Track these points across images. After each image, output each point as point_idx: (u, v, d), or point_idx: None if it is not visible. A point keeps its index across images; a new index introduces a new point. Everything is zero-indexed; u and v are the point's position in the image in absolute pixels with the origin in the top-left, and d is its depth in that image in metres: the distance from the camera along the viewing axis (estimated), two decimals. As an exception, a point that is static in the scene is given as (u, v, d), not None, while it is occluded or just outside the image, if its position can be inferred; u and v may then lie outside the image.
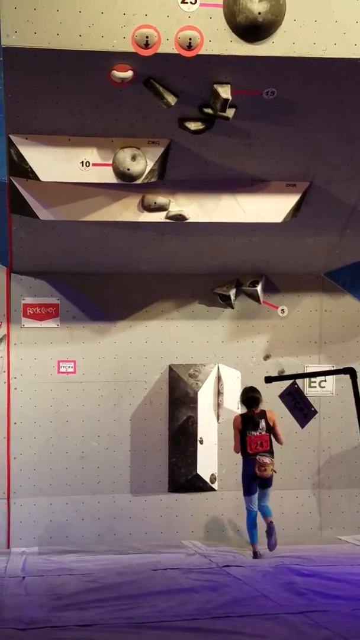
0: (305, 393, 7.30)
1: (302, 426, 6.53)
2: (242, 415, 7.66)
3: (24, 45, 5.70)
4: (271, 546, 7.32)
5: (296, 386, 5.92)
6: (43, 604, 5.55)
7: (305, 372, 7.88)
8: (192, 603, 5.51)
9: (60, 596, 5.75)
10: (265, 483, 7.56)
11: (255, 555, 7.26)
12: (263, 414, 7.60)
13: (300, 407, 6.05)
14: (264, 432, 7.56)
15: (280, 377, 6.51)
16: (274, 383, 7.24)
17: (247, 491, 7.53)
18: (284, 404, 6.18)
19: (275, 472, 7.49)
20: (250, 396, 7.62)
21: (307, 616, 5.10)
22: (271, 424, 7.61)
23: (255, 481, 7.49)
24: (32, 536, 7.82)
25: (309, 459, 8.36)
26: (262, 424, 7.55)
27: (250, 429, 7.56)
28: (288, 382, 6.68)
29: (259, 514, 7.50)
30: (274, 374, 8.23)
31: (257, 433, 7.54)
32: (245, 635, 4.75)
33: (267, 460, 7.44)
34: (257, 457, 7.40)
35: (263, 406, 7.61)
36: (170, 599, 5.61)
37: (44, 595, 5.78)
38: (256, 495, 7.49)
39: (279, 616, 5.13)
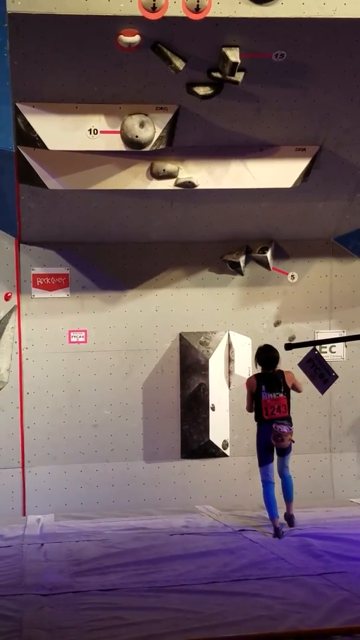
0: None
1: (322, 392, 6.48)
2: (258, 375, 7.03)
3: (29, 10, 5.63)
4: (290, 522, 6.88)
5: (316, 352, 5.88)
6: (63, 569, 5.63)
7: (326, 338, 7.79)
8: (210, 566, 5.58)
9: (79, 562, 5.83)
10: (284, 451, 6.95)
11: (277, 532, 6.53)
12: (281, 374, 6.97)
13: (321, 373, 6.01)
14: (282, 394, 6.86)
15: (300, 344, 6.47)
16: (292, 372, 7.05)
17: (263, 462, 6.89)
18: (304, 371, 6.13)
19: (293, 441, 6.89)
20: (268, 356, 7.01)
21: (325, 578, 5.17)
22: (289, 385, 6.97)
23: (271, 451, 6.86)
24: (47, 503, 7.90)
25: (320, 423, 8.40)
26: (281, 384, 6.90)
27: (267, 390, 6.88)
28: (306, 350, 6.63)
29: (278, 486, 6.90)
30: (285, 340, 8.24)
31: (275, 395, 6.84)
32: (264, 597, 4.82)
33: (285, 429, 6.72)
34: (273, 426, 6.70)
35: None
36: (189, 563, 5.69)
37: (64, 561, 5.86)
38: (272, 465, 6.87)
39: (296, 578, 5.20)
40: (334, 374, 6.11)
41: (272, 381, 6.90)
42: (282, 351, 7.20)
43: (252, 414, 7.01)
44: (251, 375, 7.26)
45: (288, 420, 6.85)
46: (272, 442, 6.75)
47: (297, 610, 4.55)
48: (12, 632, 4.36)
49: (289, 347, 6.45)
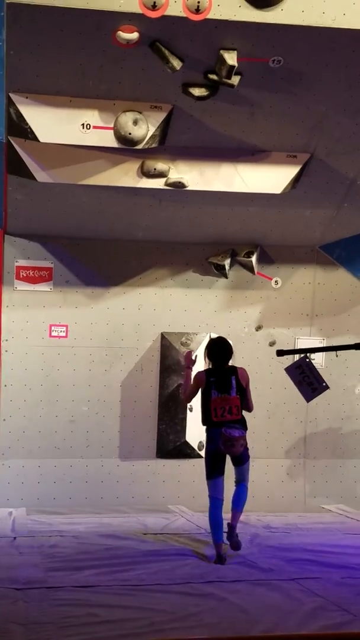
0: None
1: (308, 400, 6.38)
2: (208, 371, 6.13)
3: (28, 1, 5.59)
4: (235, 545, 5.92)
5: (308, 360, 5.88)
6: (37, 564, 5.60)
7: (319, 346, 7.79)
8: (184, 567, 5.59)
9: (53, 557, 5.81)
10: (238, 459, 5.99)
11: (220, 558, 5.70)
12: (233, 371, 6.09)
13: (310, 382, 5.96)
14: (233, 394, 5.97)
15: (293, 351, 6.47)
16: (284, 357, 6.84)
17: (211, 473, 5.94)
18: (290, 377, 6.05)
19: (247, 448, 5.99)
20: (219, 348, 6.16)
21: (298, 583, 5.20)
22: (244, 384, 6.09)
23: (221, 461, 5.95)
24: (19, 497, 7.86)
25: (295, 429, 8.46)
26: (233, 382, 6.02)
27: (217, 389, 5.98)
28: (297, 356, 6.61)
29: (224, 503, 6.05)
30: (265, 344, 8.28)
31: (226, 394, 5.97)
32: (239, 600, 4.84)
33: (235, 433, 5.80)
34: (222, 430, 5.82)
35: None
36: (163, 563, 5.69)
37: (37, 556, 5.83)
38: (222, 479, 5.96)
39: (270, 582, 5.22)
40: (324, 384, 6.07)
41: (224, 378, 6.03)
42: (266, 354, 7.15)
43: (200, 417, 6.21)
44: (201, 370, 6.30)
45: (241, 423, 5.98)
46: (221, 448, 5.88)
47: (272, 614, 4.57)
48: (-14, 625, 4.33)
49: (281, 353, 6.40)
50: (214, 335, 8.16)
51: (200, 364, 6.99)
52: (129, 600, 4.79)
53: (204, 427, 6.16)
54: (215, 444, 5.95)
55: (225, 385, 6.04)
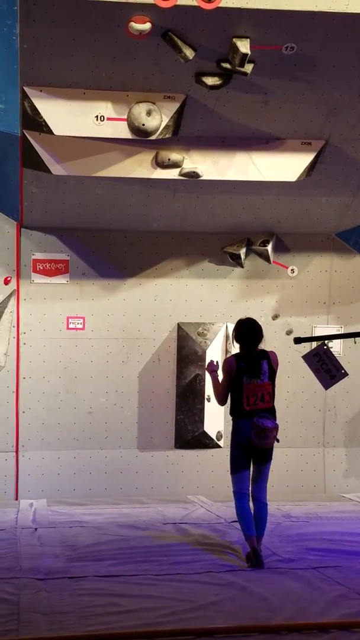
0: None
1: (327, 388, 6.26)
2: (237, 356, 5.69)
3: (41, -6, 5.60)
4: (259, 563, 5.33)
5: (325, 347, 5.82)
6: (58, 554, 5.64)
7: (336, 333, 7.69)
8: (205, 556, 5.61)
9: (74, 547, 5.84)
10: (264, 456, 5.57)
11: (255, 554, 5.30)
12: (265, 355, 5.66)
13: (328, 369, 5.88)
14: (265, 380, 5.55)
15: (310, 339, 6.40)
16: (301, 344, 6.68)
17: (238, 467, 5.56)
18: (308, 364, 5.98)
19: (278, 440, 5.58)
20: (249, 329, 5.68)
21: (319, 571, 5.19)
22: (275, 368, 5.68)
23: (249, 455, 5.54)
24: (40, 489, 7.91)
25: (314, 418, 8.44)
26: (265, 367, 5.59)
27: (248, 374, 5.52)
28: (314, 343, 6.50)
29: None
30: (282, 333, 8.26)
31: (258, 381, 5.52)
32: (260, 589, 4.85)
33: (269, 423, 5.42)
34: (254, 420, 5.42)
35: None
36: (183, 552, 5.71)
37: (58, 547, 5.87)
38: (249, 473, 5.57)
39: (291, 571, 5.23)
40: (343, 371, 5.94)
41: (255, 363, 5.58)
42: (283, 343, 7.06)
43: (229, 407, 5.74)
44: (229, 355, 5.89)
45: (271, 412, 5.59)
46: (252, 440, 5.46)
47: (293, 602, 4.58)
48: (10, 615, 4.37)
49: (298, 341, 6.31)
50: (231, 325, 8.17)
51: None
52: (150, 590, 4.82)
53: (231, 418, 5.70)
54: (244, 435, 5.50)
55: (256, 370, 5.56)
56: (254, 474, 5.62)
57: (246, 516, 5.55)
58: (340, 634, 4.07)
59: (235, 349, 5.88)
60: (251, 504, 5.63)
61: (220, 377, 5.80)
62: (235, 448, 5.60)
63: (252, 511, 5.58)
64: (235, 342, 5.80)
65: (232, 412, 5.67)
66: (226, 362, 5.74)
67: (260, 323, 5.83)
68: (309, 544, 5.85)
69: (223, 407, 8.05)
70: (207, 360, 6.58)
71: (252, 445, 5.51)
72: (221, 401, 5.78)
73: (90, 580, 5.01)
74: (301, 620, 4.28)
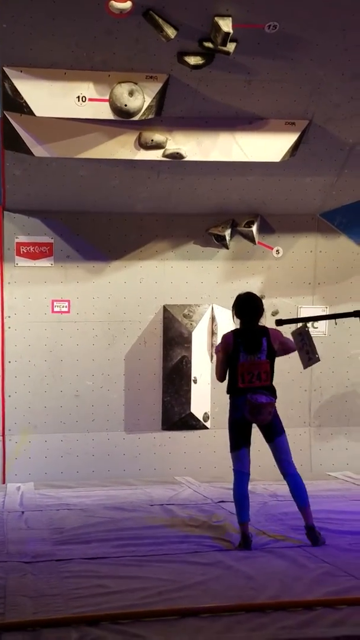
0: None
1: (305, 368, 6.29)
2: (235, 332, 5.56)
3: (19, -27, 5.52)
4: (315, 540, 5.35)
5: (307, 329, 5.82)
6: (45, 537, 5.65)
7: (318, 315, 7.68)
8: (192, 537, 5.63)
9: (61, 530, 5.86)
10: (270, 431, 5.43)
11: (245, 539, 5.28)
12: (265, 332, 5.53)
13: (307, 350, 5.90)
14: (263, 358, 5.42)
15: (292, 320, 6.38)
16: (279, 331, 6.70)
17: (236, 444, 5.47)
18: (294, 342, 6.00)
19: (278, 417, 5.50)
20: (248, 303, 5.56)
21: (305, 550, 5.23)
22: (275, 346, 5.53)
23: (246, 429, 5.46)
24: (27, 472, 7.92)
25: (300, 398, 8.47)
26: (264, 344, 5.47)
27: (246, 351, 5.42)
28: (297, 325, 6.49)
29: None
30: (268, 314, 8.26)
31: (255, 358, 5.41)
32: (245, 567, 4.88)
33: (262, 398, 5.31)
34: (248, 396, 5.34)
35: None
36: (170, 533, 5.74)
37: (45, 530, 5.88)
38: (248, 451, 5.51)
39: (276, 549, 5.27)
40: (317, 355, 5.97)
41: (253, 339, 5.46)
42: (269, 324, 7.09)
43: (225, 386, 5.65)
44: (228, 331, 5.70)
45: (269, 389, 5.48)
46: (246, 416, 5.39)
47: (278, 580, 4.62)
48: (-4, 599, 4.38)
49: (280, 322, 6.31)
50: (216, 307, 8.17)
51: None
52: (137, 571, 4.84)
53: (228, 395, 5.60)
54: (240, 412, 5.42)
55: (254, 346, 5.43)
56: (273, 453, 5.54)
57: (241, 500, 5.45)
58: (325, 611, 4.10)
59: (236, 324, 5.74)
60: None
61: None
62: (232, 425, 5.52)
63: (289, 486, 5.51)
64: (235, 318, 5.69)
65: (229, 389, 5.59)
66: (224, 337, 5.62)
67: (257, 295, 5.72)
68: (295, 523, 5.87)
69: (209, 389, 8.18)
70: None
71: (250, 422, 5.45)
72: (219, 377, 5.65)
73: (77, 562, 5.02)
74: (286, 598, 4.31)
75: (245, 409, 5.40)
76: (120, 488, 7.49)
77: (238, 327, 5.68)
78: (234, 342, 5.51)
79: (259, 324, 5.61)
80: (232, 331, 5.66)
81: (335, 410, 8.57)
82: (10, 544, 5.49)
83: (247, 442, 5.52)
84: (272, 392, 5.55)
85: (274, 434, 5.50)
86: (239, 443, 5.50)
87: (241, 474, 5.51)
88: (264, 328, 5.61)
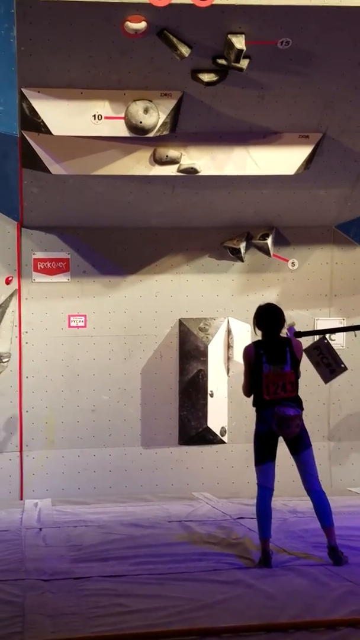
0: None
1: (326, 382, 6.13)
2: (257, 343, 5.51)
3: (36, -5, 5.58)
4: (338, 560, 5.27)
5: (326, 341, 5.71)
6: (63, 555, 5.65)
7: (336, 327, 7.65)
8: (211, 554, 5.61)
9: (79, 547, 5.85)
10: (296, 444, 5.35)
11: (266, 558, 5.22)
12: (287, 342, 5.48)
13: (328, 363, 5.75)
14: (288, 369, 5.35)
15: (310, 332, 6.28)
16: (302, 338, 6.64)
17: (261, 459, 5.38)
18: (309, 358, 5.87)
19: (305, 430, 5.42)
20: (270, 314, 5.52)
21: (326, 568, 5.20)
22: (298, 356, 5.47)
23: (272, 443, 5.37)
24: (44, 488, 7.93)
25: (318, 411, 8.43)
26: (287, 355, 5.40)
27: (269, 361, 5.35)
28: (315, 337, 6.42)
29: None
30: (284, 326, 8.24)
31: (279, 368, 5.34)
32: (267, 586, 4.85)
33: (290, 411, 5.20)
34: (275, 408, 5.24)
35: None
36: (189, 551, 5.72)
37: (63, 547, 5.89)
38: (273, 465, 5.43)
39: (298, 568, 5.23)
40: (342, 365, 5.84)
41: (276, 350, 5.39)
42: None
43: (251, 399, 5.59)
44: (249, 343, 5.66)
45: (296, 401, 5.41)
46: (275, 430, 5.31)
47: (300, 599, 4.59)
48: (15, 617, 4.38)
49: (298, 335, 6.25)
50: (232, 320, 8.16)
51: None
52: (156, 589, 4.83)
53: (254, 408, 5.51)
54: (267, 425, 5.32)
55: (278, 357, 5.35)
56: (297, 467, 5.45)
57: (263, 517, 5.39)
58: (349, 631, 4.07)
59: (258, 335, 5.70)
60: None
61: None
62: (258, 439, 5.44)
63: (313, 503, 5.42)
64: (256, 329, 5.63)
65: (254, 403, 5.51)
66: (245, 350, 5.56)
67: (278, 306, 5.73)
68: (316, 540, 5.84)
69: (226, 403, 8.16)
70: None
71: (276, 436, 5.37)
72: (246, 392, 5.59)
73: (95, 580, 5.02)
74: (308, 617, 4.28)
75: (272, 422, 5.33)
76: (138, 504, 7.48)
77: (259, 338, 5.63)
78: (255, 354, 5.46)
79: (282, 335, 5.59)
80: (253, 343, 5.62)
81: (354, 424, 8.51)
82: (28, 561, 5.50)
83: (272, 457, 5.44)
84: (298, 403, 5.48)
85: (301, 447, 5.42)
86: (265, 457, 5.42)
87: (265, 489, 5.45)
88: (287, 338, 5.59)
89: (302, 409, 5.47)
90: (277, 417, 5.29)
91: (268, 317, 5.56)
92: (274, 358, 5.40)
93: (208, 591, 4.78)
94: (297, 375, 5.51)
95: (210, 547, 5.81)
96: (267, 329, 5.53)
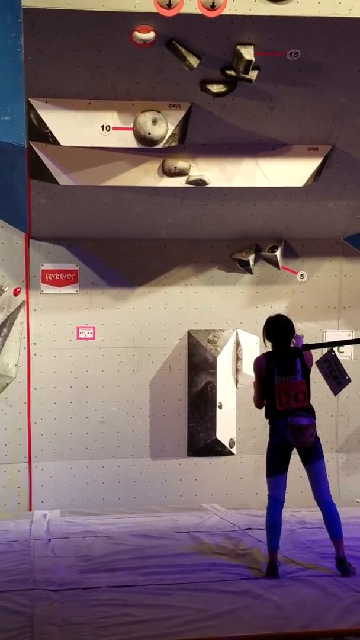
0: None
1: (335, 394, 6.17)
2: (268, 355, 5.56)
3: (44, 6, 5.63)
4: (346, 571, 5.26)
5: (333, 354, 5.73)
6: (72, 565, 5.63)
7: (343, 339, 7.64)
8: (219, 565, 5.58)
9: (88, 558, 5.83)
10: (308, 455, 5.38)
11: (273, 568, 5.21)
12: (297, 352, 5.51)
13: (335, 375, 5.81)
14: (299, 379, 5.40)
15: (317, 345, 6.32)
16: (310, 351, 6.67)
17: (273, 470, 5.40)
18: (320, 370, 5.91)
19: (318, 439, 5.46)
20: (280, 325, 5.56)
21: (335, 578, 5.16)
22: (309, 366, 5.52)
23: (286, 454, 5.41)
24: (53, 499, 7.91)
25: (327, 423, 8.39)
26: (298, 365, 5.45)
27: (281, 373, 5.40)
28: (323, 350, 6.45)
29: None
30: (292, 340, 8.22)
31: (290, 379, 5.38)
32: (275, 596, 4.82)
33: (303, 420, 5.26)
34: (289, 419, 5.28)
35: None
36: (197, 561, 5.69)
37: (72, 557, 5.86)
38: (285, 477, 5.46)
39: (306, 578, 5.20)
40: (347, 377, 5.90)
41: (287, 361, 5.45)
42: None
43: (263, 411, 5.63)
44: (259, 355, 5.71)
45: (308, 411, 5.45)
46: (289, 440, 5.33)
47: (308, 610, 4.55)
48: (24, 627, 4.37)
49: (305, 347, 6.29)
50: (241, 332, 8.15)
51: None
52: (164, 600, 4.80)
53: (267, 420, 5.53)
54: (280, 435, 5.35)
55: (289, 368, 5.41)
56: (309, 477, 5.46)
57: (272, 528, 5.39)
58: (356, 641, 4.04)
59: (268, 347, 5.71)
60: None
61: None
62: (271, 450, 5.46)
63: (323, 515, 5.42)
64: (266, 341, 5.67)
65: (267, 414, 5.54)
66: (256, 361, 5.61)
67: (288, 317, 5.76)
68: (324, 551, 5.80)
69: (234, 414, 8.14)
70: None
71: (290, 446, 5.39)
72: (257, 404, 5.62)
73: (104, 590, 4.99)
74: (316, 628, 4.25)
75: (287, 432, 5.35)
76: (146, 515, 7.46)
77: (269, 350, 5.66)
78: (267, 366, 5.51)
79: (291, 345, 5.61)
80: (263, 354, 5.66)
81: (363, 436, 8.48)
82: (37, 572, 5.48)
83: (285, 468, 5.46)
84: (311, 413, 5.52)
85: (314, 457, 5.43)
86: (277, 468, 5.44)
87: (276, 501, 5.44)
88: (297, 349, 5.61)
89: (314, 418, 5.50)
90: (291, 427, 5.33)
91: (278, 329, 5.61)
92: (285, 369, 5.46)
93: (216, 601, 4.75)
94: (308, 384, 5.54)
95: (218, 558, 5.78)
96: (277, 341, 5.58)
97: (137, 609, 4.64)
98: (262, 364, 5.53)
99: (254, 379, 5.69)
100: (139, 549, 6.07)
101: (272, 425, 5.53)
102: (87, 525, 7.01)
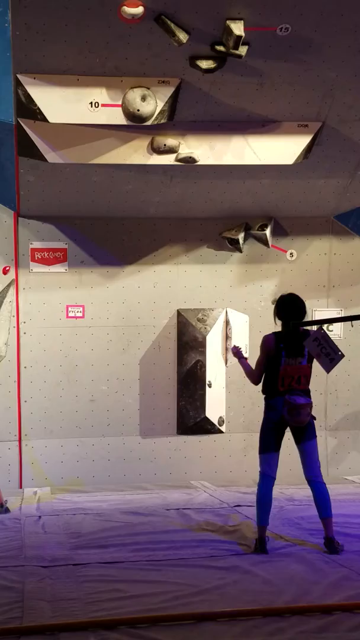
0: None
1: (328, 371, 6.16)
2: (277, 335, 5.48)
3: (32, -20, 5.55)
4: (335, 549, 5.27)
5: (322, 331, 5.73)
6: (62, 542, 5.66)
7: (331, 317, 7.64)
8: (208, 541, 5.62)
9: (78, 535, 5.86)
10: (302, 434, 5.41)
11: (262, 543, 5.28)
12: (307, 335, 5.42)
13: (327, 352, 5.77)
14: (305, 363, 5.40)
15: (307, 323, 6.32)
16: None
17: (266, 447, 5.42)
18: (310, 350, 5.92)
19: (314, 418, 5.52)
20: (293, 304, 5.52)
21: (322, 555, 5.21)
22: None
23: (279, 432, 5.43)
24: (43, 477, 7.93)
25: (316, 401, 8.28)
26: (305, 349, 5.39)
27: (288, 355, 5.38)
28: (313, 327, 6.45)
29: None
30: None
31: (297, 362, 5.37)
32: (263, 572, 4.87)
33: (301, 399, 5.30)
34: (286, 397, 5.32)
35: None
36: (187, 538, 5.73)
37: (62, 534, 5.90)
38: (277, 455, 5.48)
39: (294, 554, 5.25)
40: (340, 352, 5.89)
41: (296, 343, 5.39)
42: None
43: (253, 389, 5.70)
44: (269, 333, 5.58)
45: (307, 393, 5.52)
46: (285, 417, 5.36)
47: (296, 585, 4.60)
48: (14, 602, 4.39)
49: (294, 326, 6.27)
50: (230, 310, 8.15)
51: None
52: (154, 575, 4.84)
53: (264, 396, 5.55)
54: (276, 412, 5.38)
55: (297, 350, 5.38)
56: (300, 456, 5.49)
57: (262, 504, 5.42)
58: (343, 616, 4.08)
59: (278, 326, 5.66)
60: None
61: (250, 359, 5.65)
62: (265, 427, 5.48)
63: (313, 493, 5.44)
64: (277, 320, 5.61)
65: (265, 391, 5.54)
66: (265, 339, 5.52)
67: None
68: (312, 527, 5.85)
69: (224, 393, 8.16)
70: (225, 346, 6.64)
71: (285, 424, 5.42)
72: (256, 380, 5.57)
73: (94, 566, 5.03)
74: (304, 602, 4.29)
75: (284, 410, 5.37)
76: (136, 492, 7.50)
77: (279, 329, 5.61)
78: (275, 347, 5.45)
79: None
80: (273, 333, 5.57)
81: (351, 414, 8.53)
82: (27, 548, 5.51)
83: (278, 446, 5.49)
84: (307, 394, 5.55)
85: (306, 437, 5.47)
86: (271, 446, 5.47)
87: (267, 478, 5.47)
88: (307, 332, 5.54)
89: (310, 398, 5.53)
90: (288, 405, 5.35)
91: (290, 308, 5.54)
92: (294, 351, 5.43)
93: (205, 577, 4.79)
94: (311, 369, 5.54)
95: (207, 534, 5.82)
96: (289, 320, 5.50)
97: (127, 584, 4.67)
98: (271, 344, 5.46)
99: (242, 362, 5.67)
100: (129, 526, 6.10)
101: (268, 402, 5.56)
102: (77, 503, 7.04)
